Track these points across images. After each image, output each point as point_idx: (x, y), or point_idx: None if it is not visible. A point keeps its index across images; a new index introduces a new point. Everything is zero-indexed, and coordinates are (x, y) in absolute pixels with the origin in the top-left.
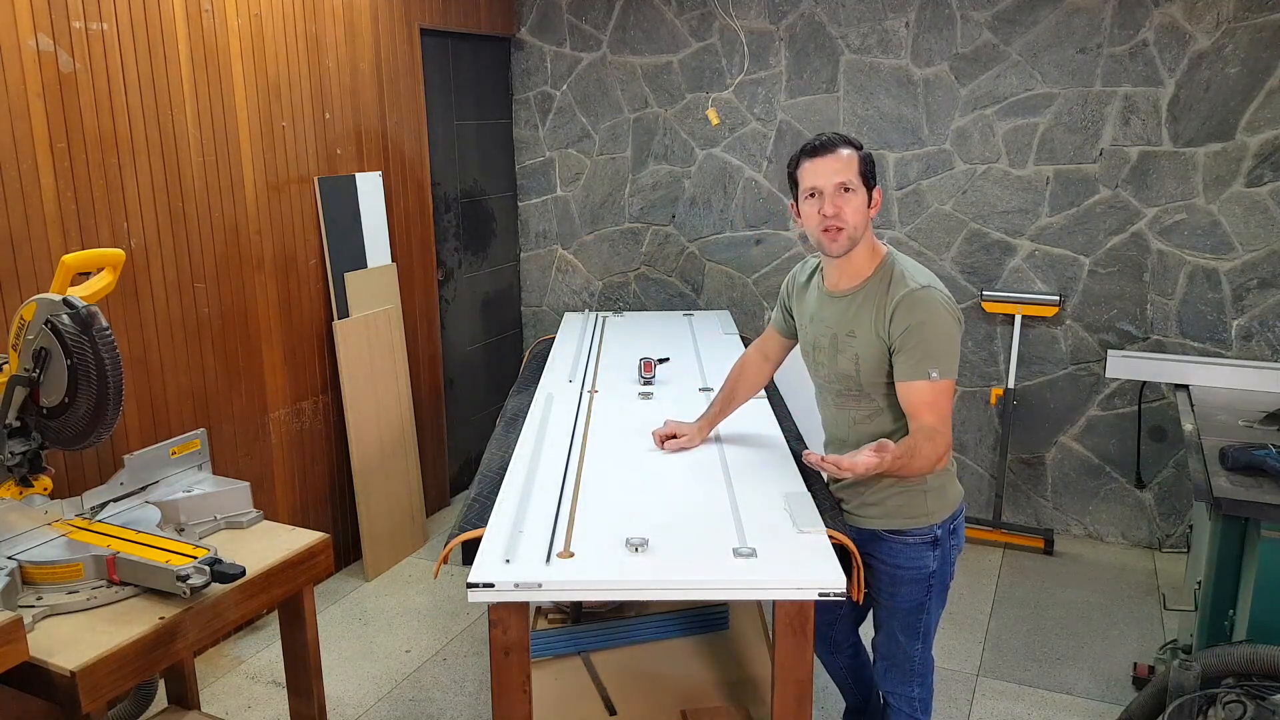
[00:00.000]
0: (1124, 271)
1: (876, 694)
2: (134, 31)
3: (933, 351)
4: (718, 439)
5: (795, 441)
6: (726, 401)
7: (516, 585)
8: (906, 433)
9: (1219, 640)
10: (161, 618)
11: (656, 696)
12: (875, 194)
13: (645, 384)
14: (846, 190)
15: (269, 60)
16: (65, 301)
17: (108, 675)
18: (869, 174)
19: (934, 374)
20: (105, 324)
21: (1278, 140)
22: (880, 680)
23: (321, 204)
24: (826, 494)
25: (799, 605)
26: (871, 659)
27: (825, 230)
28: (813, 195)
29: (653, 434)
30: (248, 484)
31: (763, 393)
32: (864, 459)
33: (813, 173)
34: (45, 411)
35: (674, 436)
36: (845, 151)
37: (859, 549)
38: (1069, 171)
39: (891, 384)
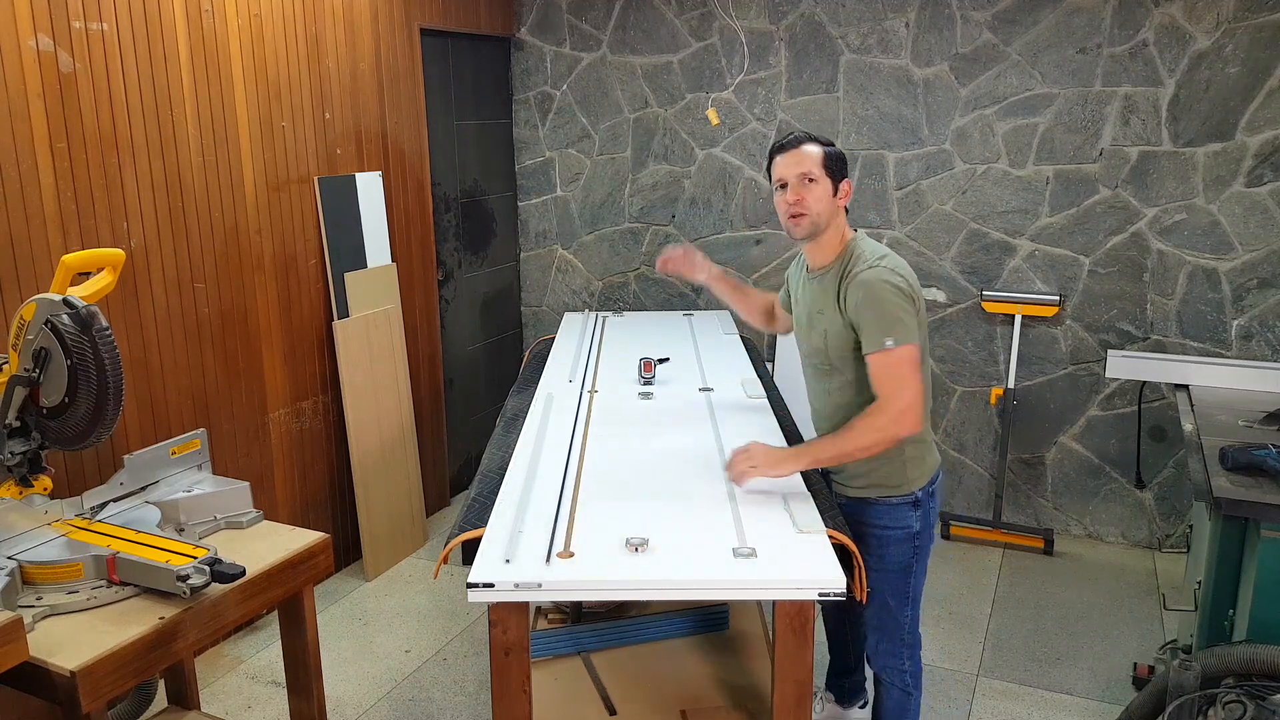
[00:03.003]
0: (1124, 271)
1: (863, 663)
2: (134, 31)
3: (883, 321)
4: (717, 439)
5: (795, 441)
6: (740, 284)
7: (516, 585)
8: (867, 406)
9: (1219, 640)
10: (161, 618)
11: (657, 696)
12: (844, 185)
13: (645, 384)
14: (810, 181)
15: (269, 60)
16: (65, 301)
17: (108, 675)
18: (835, 168)
19: (889, 342)
20: (105, 324)
21: (1278, 140)
22: (873, 656)
23: (321, 204)
24: (826, 494)
25: (799, 605)
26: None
27: (791, 216)
28: (782, 187)
29: (658, 260)
30: (248, 484)
31: (763, 393)
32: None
33: (780, 166)
34: (45, 411)
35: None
36: (809, 148)
37: (849, 517)
38: (1069, 171)
39: (857, 358)
